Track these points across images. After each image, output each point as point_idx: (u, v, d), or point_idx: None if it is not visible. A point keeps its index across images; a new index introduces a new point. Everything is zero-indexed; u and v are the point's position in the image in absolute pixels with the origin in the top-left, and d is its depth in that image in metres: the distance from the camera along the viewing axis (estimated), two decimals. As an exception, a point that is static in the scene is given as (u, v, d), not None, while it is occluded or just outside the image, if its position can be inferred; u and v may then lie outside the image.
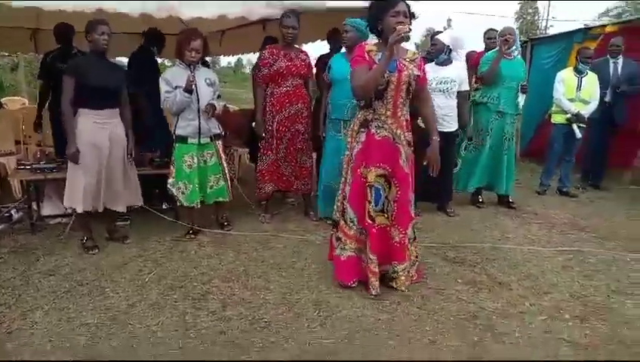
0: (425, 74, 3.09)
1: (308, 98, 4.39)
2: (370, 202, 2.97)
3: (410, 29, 2.77)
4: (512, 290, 3.13)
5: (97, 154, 3.51)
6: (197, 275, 3.27)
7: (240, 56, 10.06)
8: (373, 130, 2.94)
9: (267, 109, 4.30)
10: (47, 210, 4.28)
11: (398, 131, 2.95)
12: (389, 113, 2.93)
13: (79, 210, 3.53)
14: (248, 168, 6.16)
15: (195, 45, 3.69)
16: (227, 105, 4.26)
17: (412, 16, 2.91)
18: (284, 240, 3.95)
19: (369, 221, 2.98)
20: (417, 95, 3.05)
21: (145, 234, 3.99)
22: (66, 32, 4.76)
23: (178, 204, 3.94)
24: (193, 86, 3.68)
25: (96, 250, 3.63)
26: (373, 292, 2.97)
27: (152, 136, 4.34)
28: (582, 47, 5.93)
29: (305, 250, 3.74)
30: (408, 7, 2.86)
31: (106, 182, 3.58)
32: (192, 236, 3.98)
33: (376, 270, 3.00)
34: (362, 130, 2.98)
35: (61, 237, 3.90)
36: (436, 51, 4.52)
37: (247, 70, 28.17)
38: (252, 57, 8.75)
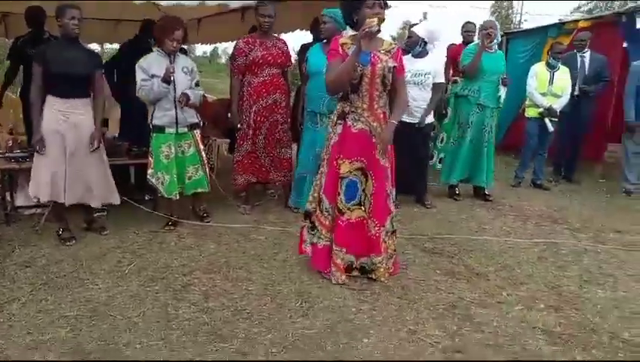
0: (402, 64, 3.08)
1: (286, 88, 4.35)
2: (339, 194, 2.99)
3: (384, 19, 2.80)
4: (489, 281, 3.21)
5: (60, 144, 3.40)
6: (177, 267, 3.25)
7: (216, 45, 9.97)
8: (349, 123, 2.95)
9: (244, 99, 4.26)
10: (21, 200, 4.17)
11: (375, 124, 2.96)
12: (365, 106, 2.94)
13: (43, 200, 3.46)
14: (227, 159, 6.11)
15: (177, 35, 3.65)
16: (205, 95, 4.19)
17: (385, 5, 2.91)
18: (265, 232, 3.95)
19: (337, 213, 3.01)
20: (392, 84, 3.02)
21: (123, 226, 3.93)
22: (37, 15, 4.64)
23: (159, 194, 3.90)
24: (172, 77, 3.63)
25: (73, 241, 3.57)
26: (333, 281, 3.01)
27: (142, 127, 4.24)
28: (555, 42, 6.05)
29: (286, 241, 3.75)
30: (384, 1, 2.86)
31: (71, 173, 3.44)
32: (171, 227, 3.94)
33: (340, 263, 3.04)
34: (339, 122, 3.00)
35: (36, 228, 3.81)
36: (411, 43, 4.55)
37: (223, 60, 27.85)
38: (228, 47, 8.71)
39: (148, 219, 4.04)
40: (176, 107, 3.76)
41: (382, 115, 2.99)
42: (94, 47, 5.30)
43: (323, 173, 3.08)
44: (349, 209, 3.02)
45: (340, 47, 2.90)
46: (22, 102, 4.93)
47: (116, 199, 3.78)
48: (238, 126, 4.30)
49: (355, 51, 2.73)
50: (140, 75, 3.69)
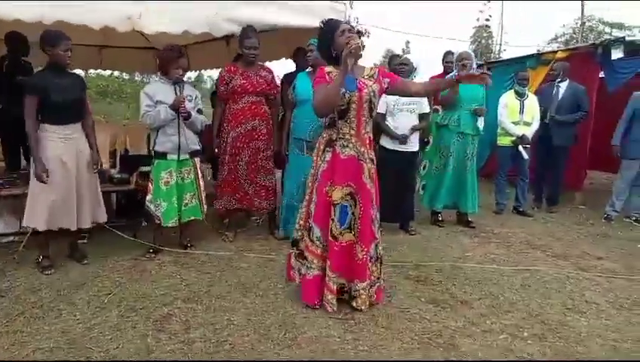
0: (392, 77, 3.14)
1: (266, 115, 4.33)
2: (333, 220, 2.98)
3: (364, 45, 2.90)
4: (473, 309, 3.20)
5: (65, 171, 3.42)
6: (158, 296, 3.18)
7: (201, 71, 10.00)
8: (338, 150, 2.98)
9: (224, 125, 4.29)
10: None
11: (362, 149, 3.00)
12: (352, 132, 2.97)
13: (41, 229, 3.40)
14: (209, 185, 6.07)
15: (181, 63, 3.79)
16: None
17: (359, 33, 2.99)
18: (248, 260, 3.91)
19: (331, 239, 3.00)
20: (402, 88, 3.15)
21: (103, 253, 3.86)
22: (24, 42, 4.63)
23: (157, 221, 3.86)
24: (183, 105, 3.71)
25: (52, 270, 3.49)
26: (329, 309, 2.98)
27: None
28: (519, 71, 6.20)
29: (270, 269, 3.71)
30: (352, 26, 3.00)
31: (78, 197, 3.50)
32: (153, 255, 3.89)
33: (334, 288, 3.02)
34: (328, 149, 3.02)
35: (14, 256, 3.72)
36: (407, 71, 4.66)
37: (208, 85, 27.96)
38: (213, 73, 8.75)
39: (129, 247, 3.97)
40: (179, 133, 3.80)
41: (368, 140, 3.04)
42: (79, 72, 5.27)
43: (312, 201, 3.06)
44: (340, 234, 3.02)
45: (327, 75, 2.95)
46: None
47: (103, 217, 3.76)
48: (216, 151, 4.33)
49: (342, 69, 2.78)
50: (144, 101, 3.75)
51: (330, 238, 3.00)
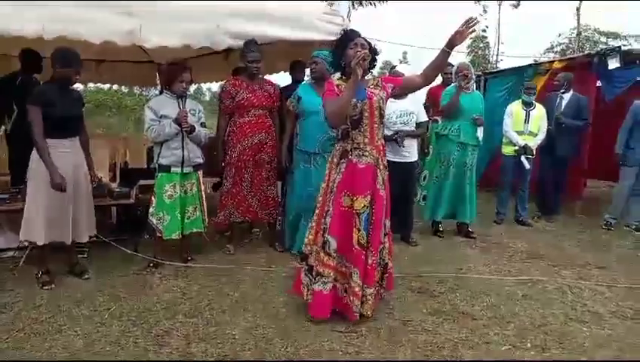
0: (394, 80, 3.20)
1: (272, 128, 4.38)
2: (359, 230, 2.99)
3: (373, 58, 2.99)
4: (476, 320, 3.19)
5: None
6: (159, 310, 3.17)
7: (201, 84, 10.05)
8: (354, 160, 3.00)
9: (230, 137, 4.29)
10: (1, 242, 4.07)
11: (378, 156, 3.05)
12: (367, 140, 3.01)
13: (39, 243, 3.39)
14: (211, 197, 6.07)
15: (185, 77, 3.80)
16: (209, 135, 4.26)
17: (375, 52, 3.04)
18: (249, 273, 3.89)
19: (357, 248, 2.99)
20: (407, 85, 3.20)
21: (103, 267, 3.85)
22: (38, 59, 4.70)
23: (158, 234, 3.85)
24: (186, 119, 3.74)
25: (52, 286, 3.47)
26: (355, 311, 2.98)
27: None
28: (525, 81, 6.23)
29: (271, 282, 3.70)
30: (366, 41, 3.04)
31: (74, 212, 3.50)
32: (153, 269, 3.87)
33: (360, 293, 3.01)
34: (342, 160, 3.04)
35: (14, 272, 3.71)
36: None
37: (207, 97, 28.04)
38: (212, 85, 8.81)
39: (129, 261, 3.97)
40: (183, 147, 3.83)
41: (382, 147, 3.09)
42: (78, 86, 5.31)
43: (328, 213, 3.05)
44: (367, 242, 3.02)
45: (336, 88, 3.00)
46: (7, 142, 4.88)
47: (93, 230, 3.75)
48: (222, 164, 4.31)
49: (353, 79, 2.83)
50: (149, 115, 3.80)
51: (356, 247, 2.99)
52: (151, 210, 3.85)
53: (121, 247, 4.08)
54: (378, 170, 3.05)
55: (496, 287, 3.78)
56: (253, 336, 2.86)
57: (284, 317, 3.11)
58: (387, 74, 4.97)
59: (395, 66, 5.11)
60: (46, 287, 3.45)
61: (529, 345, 2.87)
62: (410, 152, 4.73)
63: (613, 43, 20.45)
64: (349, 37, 3.07)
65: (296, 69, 5.08)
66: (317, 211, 3.15)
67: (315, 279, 3.06)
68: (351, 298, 3.02)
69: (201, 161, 4.01)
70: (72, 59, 3.40)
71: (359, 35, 3.06)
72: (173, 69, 3.83)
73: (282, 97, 4.47)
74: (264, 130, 4.29)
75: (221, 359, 2.60)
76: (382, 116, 3.06)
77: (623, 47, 6.50)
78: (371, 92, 3.03)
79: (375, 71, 3.28)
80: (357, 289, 3.00)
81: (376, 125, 3.03)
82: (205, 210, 4.09)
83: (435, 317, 3.20)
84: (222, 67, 6.11)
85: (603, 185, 8.38)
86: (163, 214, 3.82)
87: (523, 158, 5.67)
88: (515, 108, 5.83)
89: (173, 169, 3.85)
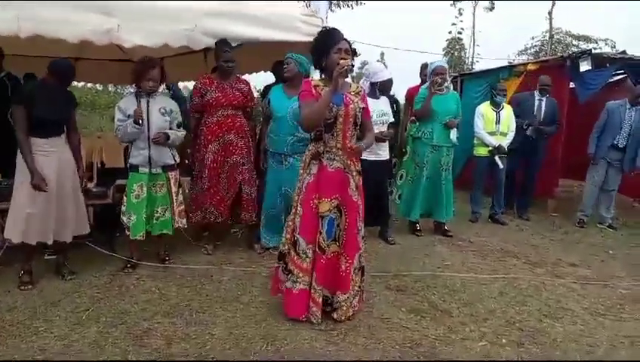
0: (367, 106, 3.20)
1: (243, 128, 4.29)
2: (321, 233, 3.00)
3: (353, 65, 2.98)
4: (452, 317, 3.25)
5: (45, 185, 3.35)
6: (138, 311, 3.14)
7: (177, 84, 9.94)
8: (325, 162, 3.01)
9: (201, 138, 4.25)
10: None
11: (349, 162, 3.04)
12: (339, 145, 3.01)
13: (15, 241, 3.34)
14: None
15: (152, 74, 3.70)
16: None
17: (354, 53, 3.06)
18: (228, 273, 3.88)
19: (318, 251, 3.01)
20: (360, 127, 3.14)
21: (80, 268, 3.79)
22: None
23: (127, 232, 3.82)
24: (144, 116, 3.68)
25: (30, 286, 3.41)
26: (313, 321, 2.99)
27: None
28: (497, 82, 6.35)
29: (250, 282, 3.70)
30: (350, 44, 3.04)
31: (57, 211, 3.44)
32: (131, 269, 3.84)
33: (320, 300, 3.03)
34: (314, 162, 3.05)
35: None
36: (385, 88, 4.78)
37: (186, 95, 27.72)
38: (188, 84, 8.72)
39: (105, 262, 3.92)
40: (149, 147, 3.76)
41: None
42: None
43: (298, 214, 3.07)
44: (327, 246, 3.03)
45: (313, 89, 3.00)
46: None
47: (86, 228, 3.72)
48: (186, 162, 4.29)
49: (332, 88, 2.85)
50: (117, 116, 3.76)
51: (317, 251, 3.01)
52: (122, 208, 3.81)
53: (99, 248, 4.02)
54: (350, 176, 3.05)
55: (473, 285, 3.85)
56: (234, 336, 2.86)
57: (264, 317, 3.12)
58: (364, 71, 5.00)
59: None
60: (23, 288, 3.39)
61: (504, 341, 2.93)
62: (384, 150, 4.78)
63: (583, 46, 20.93)
64: (333, 38, 3.01)
65: (278, 69, 5.07)
66: (292, 210, 3.16)
67: (287, 277, 3.08)
68: (310, 302, 3.03)
69: (171, 162, 3.92)
70: (71, 75, 3.53)
71: (343, 37, 3.03)
72: (141, 67, 3.73)
73: (266, 96, 4.45)
74: (233, 131, 4.22)
75: (202, 359, 2.60)
76: (356, 124, 3.06)
77: (593, 51, 6.67)
78: (350, 99, 3.02)
79: (354, 71, 3.29)
80: (315, 295, 3.01)
81: (349, 132, 3.02)
82: (177, 210, 4.01)
83: (413, 315, 3.24)
84: (201, 66, 6.04)
85: (575, 184, 8.56)
86: (130, 214, 3.78)
87: (497, 158, 5.78)
88: (485, 109, 5.95)
89: (141, 169, 3.79)
